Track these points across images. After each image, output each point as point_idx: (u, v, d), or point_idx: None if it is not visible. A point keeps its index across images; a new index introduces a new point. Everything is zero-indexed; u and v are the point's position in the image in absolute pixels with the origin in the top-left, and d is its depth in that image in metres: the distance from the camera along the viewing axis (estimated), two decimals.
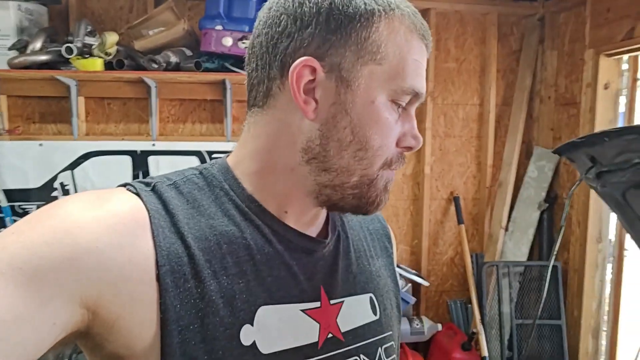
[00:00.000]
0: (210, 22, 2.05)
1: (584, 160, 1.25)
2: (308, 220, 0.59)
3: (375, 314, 0.63)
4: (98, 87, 2.23)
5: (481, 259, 2.68)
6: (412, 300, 2.53)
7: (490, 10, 2.63)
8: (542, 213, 2.62)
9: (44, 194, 2.18)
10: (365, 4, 0.52)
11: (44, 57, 1.99)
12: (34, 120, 2.28)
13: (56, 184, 2.19)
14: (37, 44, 2.00)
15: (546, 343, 2.45)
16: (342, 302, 0.59)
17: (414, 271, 2.62)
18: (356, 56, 0.51)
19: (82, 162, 2.21)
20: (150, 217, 0.50)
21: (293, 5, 0.53)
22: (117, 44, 2.08)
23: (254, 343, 0.51)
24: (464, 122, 2.73)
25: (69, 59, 1.99)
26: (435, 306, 2.76)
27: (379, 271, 0.67)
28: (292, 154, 0.54)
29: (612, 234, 2.38)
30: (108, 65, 2.04)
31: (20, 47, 2.01)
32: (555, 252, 1.39)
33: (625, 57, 2.27)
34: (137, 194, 0.51)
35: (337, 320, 0.58)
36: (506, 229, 2.66)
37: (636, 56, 2.26)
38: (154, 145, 2.27)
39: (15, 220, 2.17)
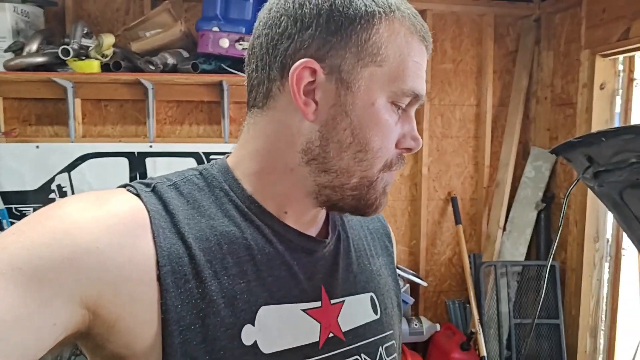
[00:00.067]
0: (207, 23, 2.05)
1: (581, 160, 1.25)
2: (308, 220, 0.59)
3: (376, 313, 0.63)
4: (95, 89, 2.23)
5: (479, 259, 2.69)
6: (411, 300, 2.53)
7: (487, 11, 2.64)
8: (539, 213, 2.62)
9: (41, 196, 2.17)
10: (365, 5, 0.52)
11: (40, 59, 1.98)
12: (30, 122, 2.27)
13: (53, 186, 2.18)
14: (34, 46, 2.00)
15: (544, 342, 2.46)
16: (343, 301, 0.59)
17: (412, 271, 2.62)
18: (356, 58, 0.51)
19: (79, 164, 2.20)
20: (150, 217, 0.49)
21: (293, 7, 0.52)
22: (114, 45, 2.07)
23: (255, 343, 0.51)
24: (461, 123, 2.74)
25: (65, 60, 1.98)
26: (434, 306, 2.76)
27: (379, 270, 0.67)
28: (291, 155, 0.54)
29: (609, 233, 2.39)
30: (105, 67, 2.04)
31: (17, 49, 2.00)
32: (553, 252, 1.39)
33: (621, 57, 2.28)
34: (137, 195, 0.51)
35: (338, 319, 0.58)
36: (504, 229, 2.66)
37: (632, 57, 2.27)
38: (151, 147, 2.27)
39: (12, 223, 2.16)
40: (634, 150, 1.10)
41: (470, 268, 2.61)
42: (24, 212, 2.17)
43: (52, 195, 2.18)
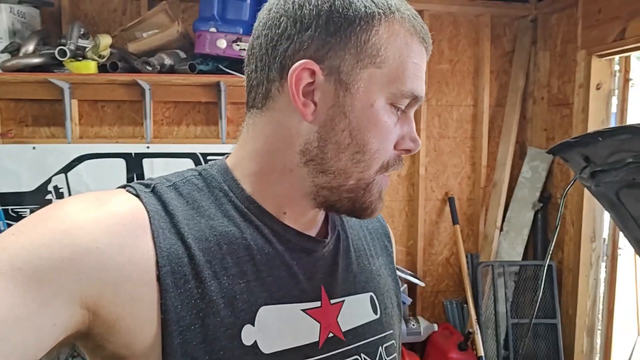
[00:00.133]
0: (204, 24, 2.04)
1: (578, 160, 1.26)
2: (307, 221, 0.59)
3: (376, 313, 0.63)
4: (92, 90, 2.22)
5: (476, 259, 2.69)
6: (408, 300, 2.54)
7: (483, 11, 2.64)
8: (536, 213, 2.63)
9: (38, 197, 2.16)
10: (365, 7, 0.52)
11: (36, 60, 1.98)
12: (27, 123, 2.26)
13: (50, 188, 2.18)
14: (30, 47, 1.99)
15: (542, 342, 2.46)
16: (343, 301, 0.59)
17: (409, 272, 2.63)
18: (356, 59, 0.51)
19: (76, 165, 2.20)
20: (150, 218, 0.50)
21: (293, 8, 0.52)
22: (111, 46, 2.07)
23: (255, 343, 0.51)
24: (458, 123, 2.74)
25: (62, 61, 1.98)
26: (431, 306, 2.76)
27: (379, 270, 0.67)
28: (290, 155, 0.54)
29: (605, 233, 2.40)
30: (102, 68, 2.03)
31: (13, 50, 2.00)
32: (550, 252, 1.40)
33: (617, 58, 2.29)
34: (137, 195, 0.51)
35: (338, 319, 0.58)
36: (501, 229, 2.67)
37: (627, 57, 2.28)
38: (148, 147, 2.26)
39: (8, 224, 2.16)
40: (630, 150, 1.10)
41: (468, 268, 2.62)
42: (20, 213, 2.16)
43: (48, 197, 2.18)
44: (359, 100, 0.52)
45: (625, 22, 2.08)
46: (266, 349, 0.51)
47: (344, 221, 0.66)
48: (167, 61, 2.06)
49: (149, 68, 2.02)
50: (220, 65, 2.10)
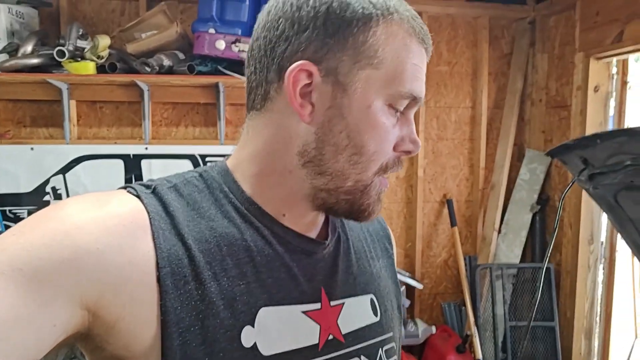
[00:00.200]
0: (203, 25, 2.04)
1: (576, 162, 1.26)
2: (307, 223, 0.59)
3: (376, 315, 0.63)
4: (90, 91, 2.22)
5: (474, 261, 2.70)
6: (406, 303, 2.54)
7: (482, 13, 2.65)
8: (534, 215, 2.64)
9: (36, 198, 2.16)
10: (363, 8, 0.52)
11: (35, 61, 1.97)
12: (25, 124, 2.26)
13: (48, 189, 2.17)
14: (28, 48, 1.99)
15: (540, 344, 2.47)
16: (343, 303, 0.59)
17: (407, 274, 2.63)
18: (353, 60, 0.51)
19: (74, 166, 2.19)
20: (150, 219, 0.49)
21: (291, 9, 0.53)
22: (110, 47, 2.07)
23: (254, 344, 0.50)
24: (457, 125, 2.75)
25: (60, 62, 1.97)
26: (430, 309, 2.76)
27: (379, 272, 0.67)
28: (289, 157, 0.54)
29: (603, 236, 2.41)
30: (100, 69, 2.03)
31: (11, 50, 1.99)
32: (548, 254, 1.40)
33: (615, 60, 2.30)
34: (138, 196, 0.51)
35: (338, 321, 0.58)
36: (499, 231, 2.67)
37: (625, 59, 2.29)
38: (146, 149, 2.26)
39: (6, 226, 2.15)
40: (628, 152, 1.10)
41: (466, 270, 2.62)
42: (18, 214, 2.15)
43: (46, 198, 2.17)
44: (357, 101, 0.52)
45: (622, 24, 2.08)
46: (266, 350, 0.51)
47: (344, 223, 0.66)
48: (166, 62, 2.06)
49: (148, 69, 2.02)
50: (219, 67, 2.10)
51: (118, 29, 2.22)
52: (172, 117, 2.38)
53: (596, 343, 2.45)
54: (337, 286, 0.59)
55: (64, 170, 2.18)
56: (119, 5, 2.33)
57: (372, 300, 0.63)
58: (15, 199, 2.14)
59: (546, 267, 2.45)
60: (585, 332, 2.43)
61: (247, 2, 2.08)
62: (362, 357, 0.59)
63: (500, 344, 2.47)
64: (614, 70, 2.33)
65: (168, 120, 2.38)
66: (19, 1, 2.07)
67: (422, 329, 2.49)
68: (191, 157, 2.30)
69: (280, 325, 0.53)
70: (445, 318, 2.70)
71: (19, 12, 2.08)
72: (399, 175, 2.70)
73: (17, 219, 2.14)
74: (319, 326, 0.56)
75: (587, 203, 2.31)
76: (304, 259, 0.57)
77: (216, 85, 2.22)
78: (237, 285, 0.51)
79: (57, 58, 1.95)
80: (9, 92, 2.17)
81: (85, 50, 2.02)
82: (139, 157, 2.25)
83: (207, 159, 2.30)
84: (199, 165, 2.29)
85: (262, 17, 0.56)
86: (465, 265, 2.64)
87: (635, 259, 2.67)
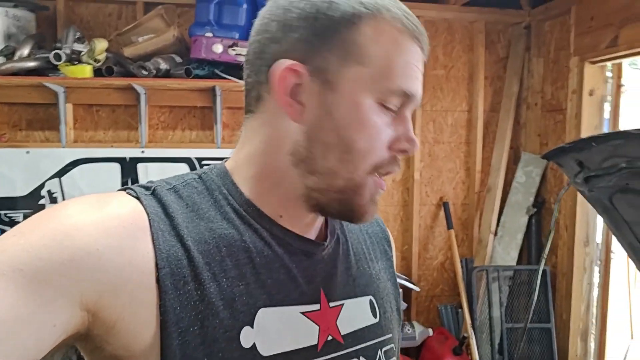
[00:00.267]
0: (200, 29, 2.05)
1: (572, 165, 1.27)
2: (305, 224, 0.59)
3: (375, 317, 0.63)
4: (86, 94, 2.22)
5: (471, 263, 2.70)
6: (403, 305, 2.54)
7: (478, 18, 2.67)
8: (530, 218, 2.65)
9: (31, 202, 2.15)
10: (351, 7, 0.52)
11: (31, 64, 1.97)
12: (21, 127, 2.25)
13: (43, 192, 2.16)
14: (25, 51, 1.98)
15: (536, 346, 2.47)
16: (342, 304, 0.59)
17: (404, 276, 2.63)
18: (341, 59, 0.52)
19: (70, 169, 2.19)
20: (150, 220, 0.50)
21: (282, 12, 0.54)
22: (107, 50, 2.07)
23: (253, 345, 0.51)
24: (453, 129, 2.76)
25: (57, 65, 1.97)
26: (426, 311, 2.77)
27: (378, 274, 0.67)
28: (281, 157, 0.55)
29: (599, 238, 2.42)
30: (97, 72, 2.03)
31: (8, 53, 1.99)
32: (545, 257, 1.40)
33: (609, 64, 2.32)
34: (137, 198, 0.51)
35: (337, 322, 0.58)
36: (495, 234, 2.68)
37: (620, 63, 2.31)
38: (143, 152, 2.26)
39: (2, 230, 2.14)
40: (623, 155, 1.11)
41: (462, 273, 2.62)
42: (13, 218, 2.15)
43: (42, 201, 2.16)
44: (345, 99, 0.52)
45: (617, 29, 2.10)
46: (265, 351, 0.51)
47: (343, 224, 0.66)
48: (163, 66, 2.06)
49: (145, 72, 2.02)
50: (216, 70, 2.10)
51: (115, 32, 2.22)
52: (169, 120, 2.38)
53: (592, 344, 2.46)
54: (336, 287, 0.59)
55: (60, 173, 2.18)
56: (116, 8, 2.33)
57: (371, 301, 0.63)
58: (11, 202, 2.13)
59: (542, 269, 2.45)
60: (581, 333, 2.44)
61: (244, 6, 2.09)
62: (362, 358, 0.59)
63: (496, 346, 2.48)
64: (609, 74, 2.35)
65: (165, 124, 2.38)
66: (15, 4, 2.07)
67: (419, 332, 2.49)
68: (188, 161, 2.30)
69: (279, 326, 0.53)
70: (442, 320, 2.70)
71: (16, 15, 2.08)
72: (395, 178, 2.71)
73: (12, 222, 2.14)
74: (318, 327, 0.56)
75: (583, 205, 2.33)
76: (303, 260, 0.57)
77: (213, 89, 2.22)
78: (236, 285, 0.51)
79: (53, 61, 1.95)
80: (5, 95, 2.17)
81: (82, 53, 2.02)
82: (135, 161, 2.25)
83: (204, 162, 2.30)
84: (195, 168, 2.29)
85: (256, 22, 0.57)
86: (462, 267, 2.65)
87: (631, 260, 2.68)
